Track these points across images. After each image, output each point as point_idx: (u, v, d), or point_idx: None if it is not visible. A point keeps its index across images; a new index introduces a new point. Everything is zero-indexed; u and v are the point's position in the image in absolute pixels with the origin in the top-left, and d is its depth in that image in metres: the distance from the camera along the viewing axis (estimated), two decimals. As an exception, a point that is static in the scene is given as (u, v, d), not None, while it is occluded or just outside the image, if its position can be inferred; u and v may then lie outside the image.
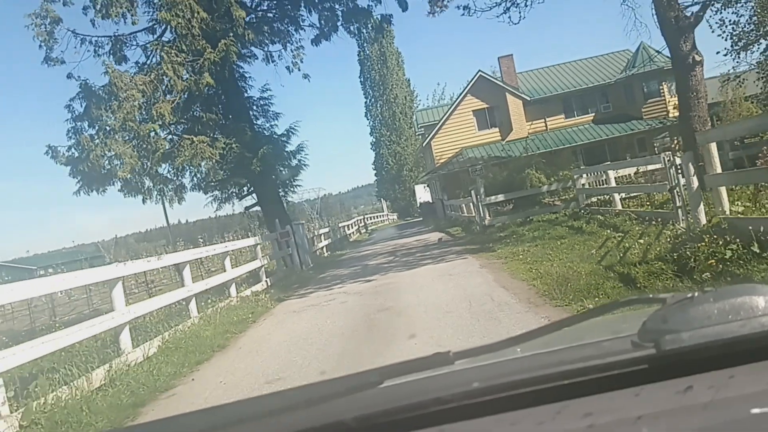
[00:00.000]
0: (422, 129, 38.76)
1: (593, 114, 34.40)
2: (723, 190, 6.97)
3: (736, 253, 5.85)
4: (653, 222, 9.48)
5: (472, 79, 34.56)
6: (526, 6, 15.09)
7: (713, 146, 6.91)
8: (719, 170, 6.94)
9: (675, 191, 8.07)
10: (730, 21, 28.91)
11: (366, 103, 68.80)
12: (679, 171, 8.21)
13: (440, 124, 35.01)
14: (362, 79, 67.45)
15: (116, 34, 17.11)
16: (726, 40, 31.75)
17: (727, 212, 6.80)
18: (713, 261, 5.84)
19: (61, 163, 16.84)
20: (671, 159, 8.33)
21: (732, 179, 7.20)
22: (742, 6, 27.57)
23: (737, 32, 30.74)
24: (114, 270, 7.00)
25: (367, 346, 5.99)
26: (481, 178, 20.10)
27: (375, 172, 74.46)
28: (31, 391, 5.10)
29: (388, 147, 68.73)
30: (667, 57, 32.39)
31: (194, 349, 7.07)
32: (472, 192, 18.39)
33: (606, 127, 33.41)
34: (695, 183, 7.30)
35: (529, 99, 34.25)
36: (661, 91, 33.54)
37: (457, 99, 35.80)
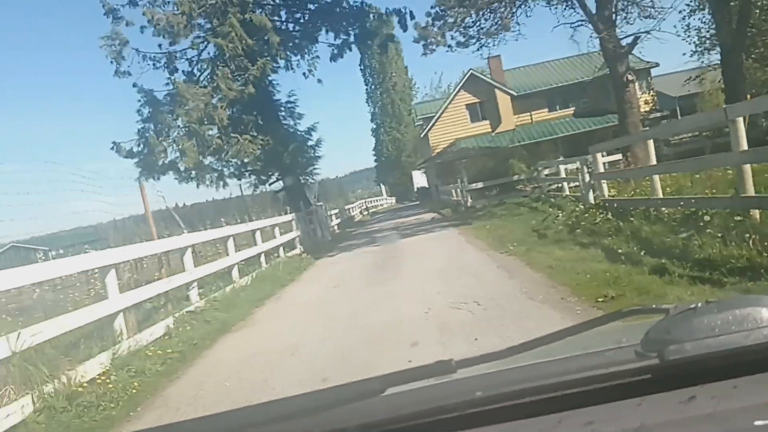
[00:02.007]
0: (420, 121, 42.87)
1: (573, 108, 38.36)
2: (604, 182, 11.20)
3: (602, 219, 10.05)
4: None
5: (465, 76, 38.57)
6: (494, 45, 18.95)
7: (599, 155, 11.12)
8: (601, 170, 11.16)
9: (581, 182, 12.31)
10: (694, 27, 32.86)
11: (366, 90, 71.48)
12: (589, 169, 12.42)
13: (436, 117, 39.04)
14: (362, 67, 69.75)
15: (168, 50, 21.18)
16: (689, 44, 36.08)
17: (606, 196, 11.02)
18: (586, 223, 10.07)
19: (123, 156, 20.98)
20: (583, 161, 12.55)
21: (606, 176, 11.41)
22: (702, 16, 31.63)
23: (701, 36, 35.03)
24: (225, 230, 11.34)
25: (384, 273, 10.20)
26: (465, 169, 24.20)
27: (375, 157, 77.96)
28: (207, 290, 9.39)
29: (388, 133, 71.87)
30: (638, 58, 36.74)
31: (275, 281, 11.37)
32: (459, 180, 22.64)
33: (585, 120, 37.40)
34: (587, 178, 11.53)
35: (516, 94, 38.25)
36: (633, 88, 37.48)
37: (451, 95, 39.87)
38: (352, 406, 0.86)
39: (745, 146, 6.50)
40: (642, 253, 6.98)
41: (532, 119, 38.57)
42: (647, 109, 36.97)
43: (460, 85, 38.64)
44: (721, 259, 5.70)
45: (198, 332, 7.33)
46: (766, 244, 5.61)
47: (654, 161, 9.23)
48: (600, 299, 5.32)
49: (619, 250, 7.40)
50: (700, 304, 0.89)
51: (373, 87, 70.74)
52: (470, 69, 38.35)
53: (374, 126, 73.93)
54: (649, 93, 37.77)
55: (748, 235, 5.97)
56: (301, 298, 9.37)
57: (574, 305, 5.35)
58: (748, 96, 26.89)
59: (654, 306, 1.01)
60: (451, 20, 16.70)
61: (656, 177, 8.92)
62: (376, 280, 9.51)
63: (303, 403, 0.91)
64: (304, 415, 0.86)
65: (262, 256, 13.25)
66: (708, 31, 33.46)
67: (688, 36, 35.51)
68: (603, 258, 7.39)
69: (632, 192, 10.86)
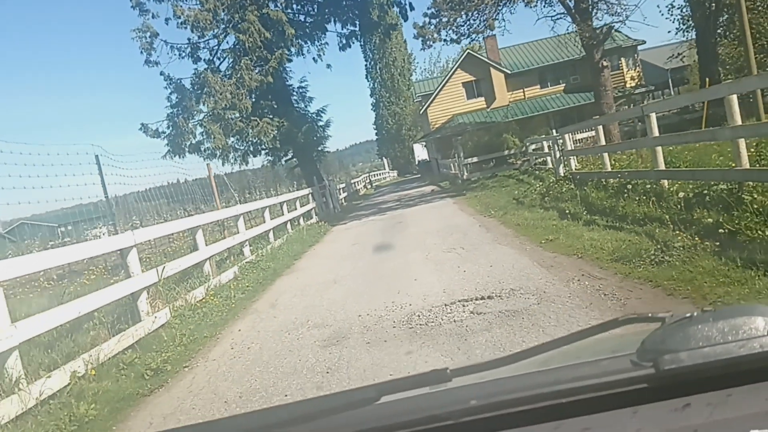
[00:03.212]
0: (419, 98, 45.17)
1: (564, 84, 40.53)
2: (573, 158, 13.70)
3: (567, 188, 12.56)
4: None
5: (462, 56, 40.73)
6: (483, 39, 21.17)
7: (567, 135, 13.61)
8: (569, 148, 13.67)
9: (552, 158, 14.81)
10: (677, 6, 34.81)
11: (366, 65, 72.48)
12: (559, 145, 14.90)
13: (435, 94, 41.30)
14: (362, 42, 71.34)
15: (194, 42, 23.50)
16: (673, 22, 38.12)
17: (573, 169, 13.53)
18: (554, 192, 12.59)
19: (150, 136, 23.44)
20: (554, 139, 15.02)
21: (572, 153, 13.89)
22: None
23: (683, 15, 37.10)
24: (263, 201, 13.90)
25: (391, 234, 12.76)
26: (461, 145, 26.60)
27: (376, 131, 79.76)
28: (254, 248, 11.98)
29: (388, 108, 73.50)
30: (626, 36, 38.91)
31: (303, 242, 13.96)
32: (455, 155, 25.08)
33: (575, 96, 39.61)
34: (557, 154, 14.05)
35: (509, 72, 40.43)
36: (620, 65, 39.63)
37: (448, 73, 42.06)
38: (347, 414, 0.86)
39: (656, 133, 9.00)
40: (584, 213, 9.55)
41: (525, 95, 40.79)
42: (632, 84, 39.23)
43: (457, 64, 40.80)
44: (631, 214, 8.25)
45: (258, 276, 9.94)
46: (661, 203, 8.16)
47: (603, 142, 11.73)
48: (543, 241, 7.92)
49: (569, 211, 9.94)
50: (695, 314, 0.88)
51: (372, 62, 71.68)
52: (467, 49, 40.45)
53: (374, 101, 75.47)
54: (635, 69, 39.88)
55: (654, 198, 8.51)
56: (328, 253, 11.95)
57: (524, 245, 7.97)
58: (721, 74, 29.18)
59: (650, 315, 0.99)
60: (445, 20, 19.09)
61: (605, 154, 11.46)
62: (386, 239, 12.08)
63: (297, 410, 0.93)
64: (299, 423, 0.86)
65: (288, 223, 15.84)
66: (685, 11, 35.45)
67: (671, 15, 37.58)
68: (557, 217, 9.95)
69: (592, 166, 13.37)
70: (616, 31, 38.05)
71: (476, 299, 5.67)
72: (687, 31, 37.03)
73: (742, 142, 6.81)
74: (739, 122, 6.98)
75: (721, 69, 31.42)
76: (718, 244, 5.63)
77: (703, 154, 10.57)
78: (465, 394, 0.85)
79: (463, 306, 5.53)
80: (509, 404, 0.82)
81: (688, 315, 0.88)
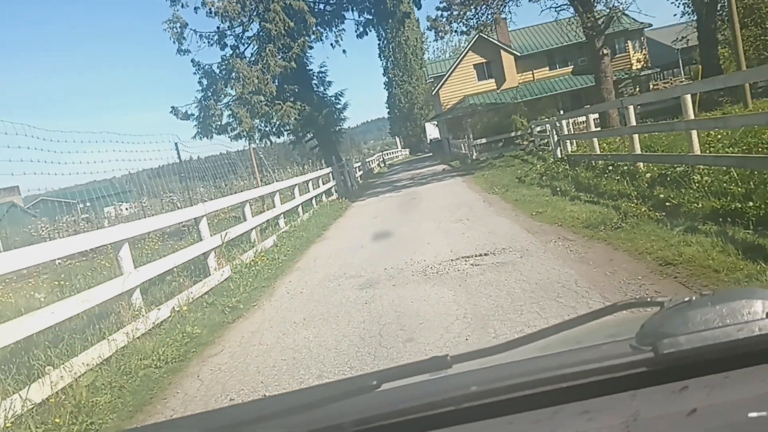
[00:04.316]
0: (431, 79, 46.59)
1: (572, 66, 41.76)
2: (569, 142, 15.31)
3: (562, 169, 14.20)
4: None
5: (473, 39, 41.97)
6: (491, 30, 22.60)
7: (564, 121, 15.21)
8: (566, 132, 15.27)
9: (551, 141, 16.45)
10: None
11: (379, 44, 73.51)
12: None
13: (446, 76, 42.73)
14: (378, 29, 72.22)
15: (219, 29, 25.14)
16: (678, 6, 39.13)
17: (569, 151, 15.15)
18: (551, 172, 14.24)
19: (180, 118, 25.23)
20: (552, 123, 16.61)
21: (568, 137, 15.48)
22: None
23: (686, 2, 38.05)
24: (293, 180, 15.67)
25: (407, 208, 14.50)
26: (471, 127, 28.16)
27: (388, 110, 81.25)
28: (288, 219, 13.78)
29: (400, 86, 74.72)
30: (633, 19, 39.94)
31: (328, 216, 15.74)
32: (465, 136, 26.68)
33: (582, 78, 40.80)
34: (555, 137, 15.67)
35: (519, 54, 41.74)
36: (626, 48, 40.77)
37: (460, 56, 43.43)
38: (347, 402, 0.87)
39: (633, 123, 10.62)
40: (573, 190, 11.21)
41: (534, 77, 42.12)
42: (639, 66, 40.42)
43: (469, 46, 42.12)
44: (609, 191, 9.92)
45: (295, 243, 11.73)
46: (634, 182, 9.81)
47: (593, 128, 13.34)
48: (533, 213, 9.62)
49: (560, 189, 11.61)
50: (694, 298, 0.88)
51: (385, 41, 72.54)
52: (478, 32, 41.69)
53: (386, 80, 76.57)
54: (641, 51, 41.00)
55: (629, 177, 10.17)
56: (352, 224, 13.72)
57: (518, 216, 9.69)
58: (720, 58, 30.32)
59: (648, 299, 0.99)
60: (455, 13, 20.62)
61: (594, 139, 13.08)
62: (402, 213, 13.83)
63: (298, 399, 0.94)
64: (299, 411, 0.87)
65: (313, 199, 17.62)
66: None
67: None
68: (549, 194, 11.62)
69: (585, 149, 14.99)
70: (622, 14, 39.27)
71: (475, 256, 7.39)
72: (691, 14, 38.09)
73: (694, 133, 8.44)
74: (692, 117, 8.62)
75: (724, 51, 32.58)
76: (663, 214, 7.31)
77: (678, 140, 12.15)
78: (465, 380, 0.86)
79: (465, 260, 7.25)
80: (509, 390, 0.83)
81: (686, 299, 0.89)
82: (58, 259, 6.70)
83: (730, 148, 9.41)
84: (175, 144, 12.44)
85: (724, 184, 7.39)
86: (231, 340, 6.05)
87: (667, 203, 7.60)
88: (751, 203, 6.13)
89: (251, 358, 5.25)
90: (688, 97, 8.52)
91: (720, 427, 0.71)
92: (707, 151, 9.10)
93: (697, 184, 7.89)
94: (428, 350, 4.37)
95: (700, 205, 7.05)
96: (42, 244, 6.51)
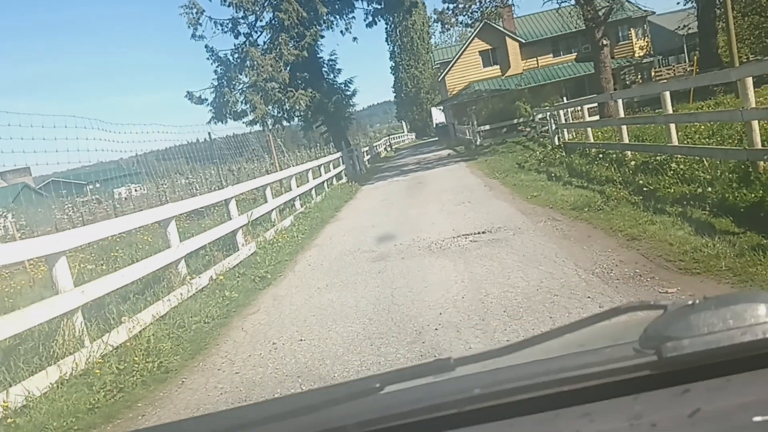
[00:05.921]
0: (438, 65, 47.40)
1: (576, 53, 42.40)
2: (566, 130, 16.28)
3: (559, 155, 15.17)
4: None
5: (479, 26, 42.64)
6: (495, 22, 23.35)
7: (560, 111, 16.16)
8: (563, 121, 16.23)
9: (549, 129, 17.42)
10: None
11: (386, 29, 73.57)
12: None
13: (452, 62, 43.53)
14: (387, 20, 72.45)
15: (233, 17, 26.05)
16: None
17: (566, 139, 16.12)
18: (548, 159, 15.22)
19: (195, 103, 26.23)
20: (551, 113, 17.54)
21: (566, 126, 16.43)
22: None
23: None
24: (308, 164, 16.72)
25: (413, 191, 15.52)
26: (475, 113, 29.05)
27: (394, 94, 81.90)
28: (303, 202, 14.83)
29: (407, 71, 75.16)
30: (636, 6, 40.49)
31: (339, 198, 16.80)
32: (469, 122, 27.61)
33: (586, 65, 41.29)
34: (553, 126, 16.64)
35: (524, 41, 42.46)
36: (629, 35, 41.39)
37: (466, 42, 44.15)
38: (351, 404, 0.87)
39: (622, 114, 11.59)
40: (566, 175, 12.21)
41: (538, 64, 42.83)
42: (641, 54, 41.07)
43: (474, 33, 42.78)
44: (598, 177, 10.91)
45: (311, 223, 12.80)
46: (620, 169, 10.81)
47: (587, 118, 14.30)
48: (528, 197, 10.64)
49: (555, 174, 12.60)
50: (698, 301, 0.88)
51: (392, 25, 72.61)
52: (484, 19, 42.38)
53: (393, 64, 76.99)
54: (644, 39, 41.63)
55: (616, 165, 11.16)
56: (363, 206, 14.77)
57: (515, 200, 10.72)
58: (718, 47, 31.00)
59: (652, 302, 0.97)
60: (461, 6, 21.50)
61: (589, 128, 14.05)
62: (409, 195, 14.87)
63: (301, 401, 0.94)
64: (302, 414, 0.87)
65: (325, 183, 18.67)
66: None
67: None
68: (545, 179, 12.62)
69: (581, 137, 15.94)
70: (622, 5, 39.83)
71: (474, 233, 8.43)
72: (691, 1, 38.69)
73: (672, 126, 9.42)
74: (671, 111, 9.60)
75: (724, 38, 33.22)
76: (641, 198, 8.32)
77: (664, 131, 13.11)
78: (468, 383, 0.86)
79: (465, 237, 8.29)
80: (512, 392, 0.83)
81: (690, 302, 0.88)
82: (122, 233, 7.79)
83: (707, 139, 10.41)
84: (209, 133, 13.49)
85: (696, 172, 8.40)
86: (265, 302, 7.13)
87: (645, 188, 8.60)
88: (710, 189, 7.16)
89: (285, 315, 6.33)
90: (668, 93, 9.49)
91: (723, 430, 0.72)
92: (686, 142, 10.09)
93: (672, 172, 8.88)
94: (433, 305, 5.43)
95: (672, 191, 8.06)
96: (112, 219, 7.61)
